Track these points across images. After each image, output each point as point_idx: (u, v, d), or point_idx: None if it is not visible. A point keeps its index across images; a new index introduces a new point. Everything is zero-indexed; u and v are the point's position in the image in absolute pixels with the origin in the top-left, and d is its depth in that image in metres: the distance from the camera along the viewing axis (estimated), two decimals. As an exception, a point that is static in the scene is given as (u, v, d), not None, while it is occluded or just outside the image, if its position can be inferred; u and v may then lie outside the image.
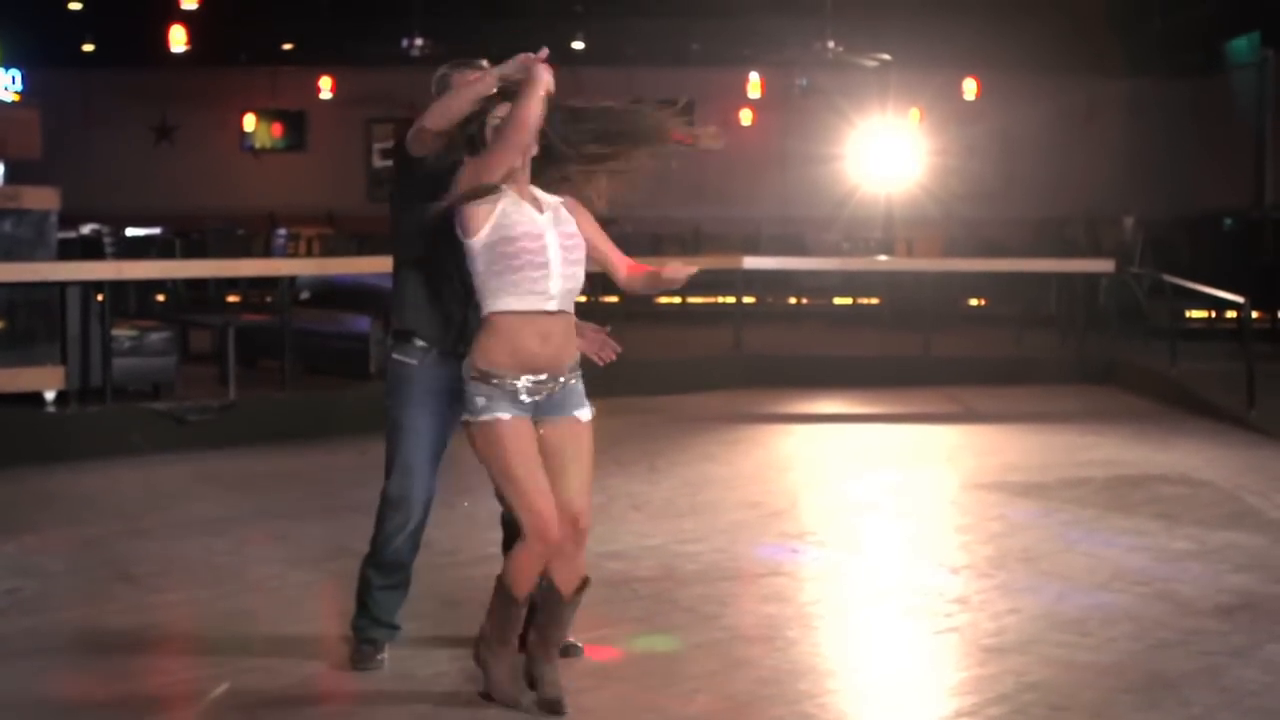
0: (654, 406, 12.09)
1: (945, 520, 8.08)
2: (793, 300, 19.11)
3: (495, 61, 4.73)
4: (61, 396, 10.08)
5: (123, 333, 10.40)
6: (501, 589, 4.68)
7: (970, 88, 21.63)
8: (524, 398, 4.51)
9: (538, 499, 4.50)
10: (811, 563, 6.98)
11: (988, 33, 19.23)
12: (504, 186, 4.55)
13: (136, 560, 6.91)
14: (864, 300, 19.01)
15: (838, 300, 19.26)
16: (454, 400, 4.86)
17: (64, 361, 10.10)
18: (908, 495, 8.86)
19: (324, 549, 7.01)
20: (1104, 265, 15.19)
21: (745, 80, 22.14)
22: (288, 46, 23.02)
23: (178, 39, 18.45)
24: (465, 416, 4.61)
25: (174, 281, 14.64)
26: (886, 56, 20.71)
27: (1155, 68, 21.85)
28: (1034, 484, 9.05)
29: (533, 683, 4.78)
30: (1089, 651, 5.54)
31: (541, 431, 4.58)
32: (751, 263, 14.81)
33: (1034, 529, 7.75)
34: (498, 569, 4.74)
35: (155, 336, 10.58)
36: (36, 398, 10.00)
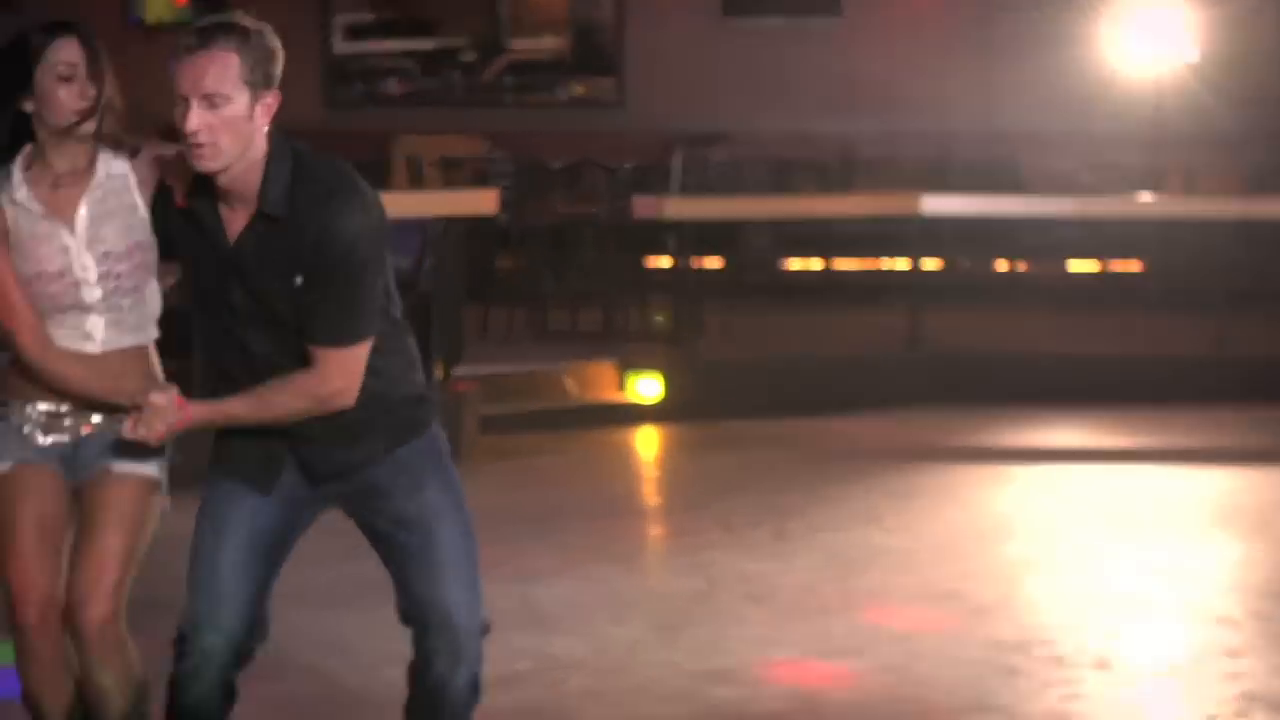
0: (782, 435, 12.30)
1: (1272, 625, 8.00)
2: (1002, 266, 19.12)
3: None
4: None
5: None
6: None
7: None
8: None
9: None
10: (1040, 691, 6.90)
11: None
12: None
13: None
14: (1117, 266, 19.01)
15: (1074, 266, 19.32)
16: None
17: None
18: (1203, 582, 8.86)
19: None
20: None
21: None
22: None
23: None
24: None
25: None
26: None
27: None
28: None
29: None
30: None
31: None
32: (935, 205, 14.75)
33: None
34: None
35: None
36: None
